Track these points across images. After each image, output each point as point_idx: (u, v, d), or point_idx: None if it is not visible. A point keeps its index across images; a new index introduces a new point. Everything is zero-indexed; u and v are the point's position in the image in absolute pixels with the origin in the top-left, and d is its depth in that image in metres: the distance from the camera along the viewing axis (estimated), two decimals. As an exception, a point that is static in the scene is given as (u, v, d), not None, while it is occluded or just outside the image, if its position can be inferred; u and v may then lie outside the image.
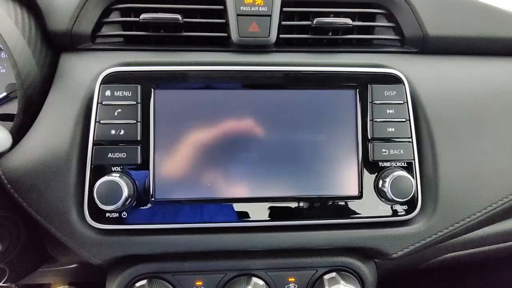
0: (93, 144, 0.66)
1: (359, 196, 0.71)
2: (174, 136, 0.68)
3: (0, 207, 0.67)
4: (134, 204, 0.67)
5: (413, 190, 0.69)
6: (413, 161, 0.72)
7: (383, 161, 0.71)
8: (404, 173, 0.69)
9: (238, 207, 0.69)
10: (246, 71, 0.71)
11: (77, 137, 0.66)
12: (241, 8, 0.71)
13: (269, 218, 0.69)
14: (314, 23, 0.72)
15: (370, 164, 0.71)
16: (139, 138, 0.67)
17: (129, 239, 0.68)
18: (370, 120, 0.71)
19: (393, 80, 0.73)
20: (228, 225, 0.69)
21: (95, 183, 0.63)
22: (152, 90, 0.68)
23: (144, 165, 0.67)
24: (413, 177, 0.70)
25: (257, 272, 0.74)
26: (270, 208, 0.70)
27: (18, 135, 0.66)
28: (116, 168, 0.66)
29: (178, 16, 0.70)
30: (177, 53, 0.73)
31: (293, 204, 0.70)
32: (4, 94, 0.75)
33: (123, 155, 0.66)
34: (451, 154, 0.73)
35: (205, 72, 0.70)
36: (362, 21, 0.77)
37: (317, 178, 0.70)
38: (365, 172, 0.71)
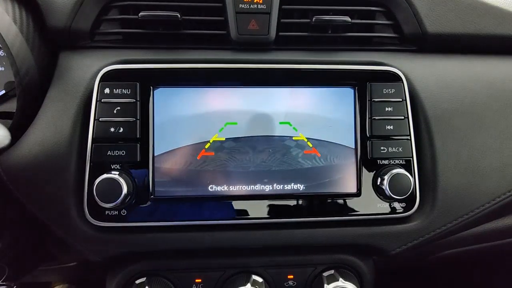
0: (92, 142, 0.66)
1: (358, 194, 0.71)
2: (173, 134, 0.68)
3: (0, 204, 0.67)
4: (133, 201, 0.67)
5: (412, 188, 0.69)
6: (411, 158, 0.72)
7: (381, 158, 0.71)
8: (402, 170, 0.69)
9: (237, 204, 0.69)
10: (245, 68, 0.71)
11: (76, 134, 0.66)
12: (240, 5, 0.71)
13: (268, 216, 0.70)
14: (313, 20, 0.72)
15: (368, 162, 0.71)
16: (138, 136, 0.67)
17: (129, 237, 0.68)
18: (368, 118, 0.72)
19: (392, 78, 0.73)
20: (227, 222, 0.70)
21: (94, 180, 0.64)
22: (151, 87, 0.68)
23: (143, 162, 0.67)
24: (412, 175, 0.71)
25: (256, 269, 0.74)
26: (269, 206, 0.70)
27: (17, 132, 0.66)
28: (116, 166, 0.66)
29: (177, 14, 0.70)
30: (176, 50, 0.73)
31: (292, 202, 0.70)
32: (3, 92, 0.75)
33: (122, 152, 0.66)
34: (449, 152, 0.73)
35: (204, 70, 0.70)
36: (361, 19, 0.77)
37: (316, 176, 0.71)
38: (364, 169, 0.71)
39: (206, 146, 0.69)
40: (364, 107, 0.72)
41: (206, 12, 0.74)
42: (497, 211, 0.76)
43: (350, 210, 0.71)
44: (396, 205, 0.72)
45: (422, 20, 0.76)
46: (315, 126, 0.71)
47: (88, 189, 0.65)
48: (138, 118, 0.67)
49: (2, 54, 0.76)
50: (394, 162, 0.72)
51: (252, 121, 0.70)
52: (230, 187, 0.69)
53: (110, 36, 0.74)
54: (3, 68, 0.76)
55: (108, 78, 0.68)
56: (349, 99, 0.72)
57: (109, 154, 0.66)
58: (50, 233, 0.67)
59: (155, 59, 0.71)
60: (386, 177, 0.68)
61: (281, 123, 0.70)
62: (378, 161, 0.71)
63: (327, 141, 0.71)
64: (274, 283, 0.74)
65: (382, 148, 0.71)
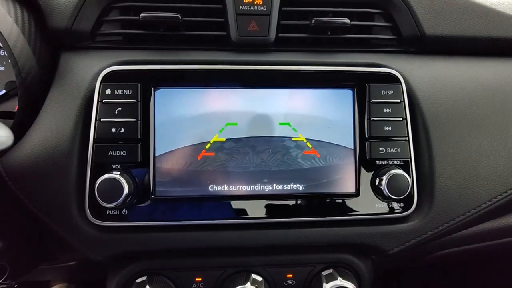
0: (94, 142, 0.67)
1: (356, 194, 0.72)
2: (174, 134, 0.69)
3: (1, 204, 0.67)
4: (134, 201, 0.67)
5: (409, 188, 0.70)
6: (409, 159, 0.73)
7: (380, 159, 0.72)
8: (400, 171, 0.70)
9: (237, 204, 0.70)
10: (245, 70, 0.72)
11: (78, 135, 0.67)
12: (241, 7, 0.72)
13: (267, 216, 0.70)
14: (313, 22, 0.73)
15: (367, 163, 0.72)
16: (139, 136, 0.68)
17: (129, 236, 0.69)
18: (367, 119, 0.72)
19: (390, 79, 0.74)
20: (227, 222, 0.70)
21: (95, 180, 0.64)
22: (152, 88, 0.69)
23: (144, 162, 0.68)
24: (410, 175, 0.71)
25: (256, 268, 0.75)
26: (269, 205, 0.70)
27: (19, 132, 0.67)
28: (117, 166, 0.67)
29: (178, 15, 0.70)
30: (176, 51, 0.74)
31: (291, 202, 0.71)
32: (4, 91, 0.75)
33: (124, 153, 0.67)
34: (447, 152, 0.74)
35: (204, 71, 0.71)
36: (360, 21, 0.77)
37: (315, 176, 0.71)
38: (362, 170, 0.72)
39: (207, 147, 0.69)
40: (363, 108, 0.72)
41: (206, 14, 0.74)
42: (494, 211, 0.77)
43: (348, 210, 0.72)
44: (394, 205, 0.73)
45: (420, 22, 0.76)
46: (315, 127, 0.71)
47: (89, 189, 0.66)
48: (139, 118, 0.68)
49: (3, 54, 0.76)
50: (392, 162, 0.72)
51: (252, 122, 0.70)
52: (230, 187, 0.70)
53: (111, 37, 0.75)
54: (3, 68, 0.77)
55: (110, 79, 0.68)
56: (348, 100, 0.73)
57: (110, 154, 0.67)
58: (51, 233, 0.68)
59: (156, 60, 0.71)
60: (384, 178, 0.69)
61: (280, 124, 0.71)
62: (377, 161, 0.72)
63: (326, 142, 0.72)
64: (274, 282, 0.75)
65: (380, 149, 0.72)
